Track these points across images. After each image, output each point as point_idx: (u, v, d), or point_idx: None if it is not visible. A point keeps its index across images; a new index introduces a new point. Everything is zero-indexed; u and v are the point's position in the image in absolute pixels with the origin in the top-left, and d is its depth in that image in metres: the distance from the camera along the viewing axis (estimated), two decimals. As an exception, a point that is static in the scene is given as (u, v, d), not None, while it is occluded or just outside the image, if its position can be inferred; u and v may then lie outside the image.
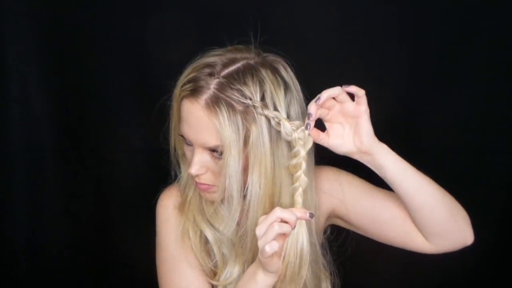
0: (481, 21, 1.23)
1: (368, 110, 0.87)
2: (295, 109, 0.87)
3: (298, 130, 0.84)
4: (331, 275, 1.00)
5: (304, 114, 0.88)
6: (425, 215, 0.93)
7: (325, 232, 1.05)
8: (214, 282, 0.96)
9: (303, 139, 0.84)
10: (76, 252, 1.45)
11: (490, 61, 1.26)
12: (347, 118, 0.89)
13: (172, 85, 0.90)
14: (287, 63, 0.91)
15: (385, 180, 0.92)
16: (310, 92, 0.92)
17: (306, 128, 0.84)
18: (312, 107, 0.84)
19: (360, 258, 1.22)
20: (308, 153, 0.88)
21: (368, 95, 1.30)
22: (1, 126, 1.34)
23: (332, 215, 1.03)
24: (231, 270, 0.95)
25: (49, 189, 1.39)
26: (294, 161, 0.85)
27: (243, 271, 0.94)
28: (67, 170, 1.39)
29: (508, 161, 1.34)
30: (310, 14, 1.25)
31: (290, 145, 0.86)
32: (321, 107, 0.86)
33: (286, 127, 0.83)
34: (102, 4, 1.26)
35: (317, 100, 0.83)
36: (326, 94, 0.84)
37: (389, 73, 1.29)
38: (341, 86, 0.85)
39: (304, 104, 0.90)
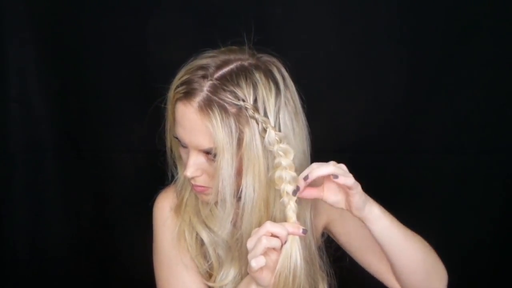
0: (481, 21, 1.23)
1: (358, 190, 0.83)
2: (283, 116, 0.85)
3: (281, 143, 0.82)
4: (328, 276, 1.00)
5: (296, 115, 0.87)
6: (401, 274, 0.93)
7: (323, 235, 1.05)
8: (210, 284, 0.96)
9: (284, 151, 0.82)
10: (76, 252, 1.45)
11: (490, 61, 1.26)
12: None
13: (167, 88, 0.89)
14: (282, 63, 0.90)
15: None
16: (309, 93, 0.91)
17: (294, 194, 0.82)
18: (301, 182, 0.82)
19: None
20: (301, 152, 0.88)
21: (368, 95, 1.31)
22: (1, 126, 1.34)
23: (327, 226, 1.04)
24: (227, 272, 0.95)
25: (49, 189, 1.40)
26: (277, 173, 0.83)
27: (239, 273, 0.94)
28: (67, 170, 1.39)
29: (508, 161, 1.34)
30: (308, 14, 1.25)
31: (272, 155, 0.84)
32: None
33: (271, 135, 0.82)
34: (102, 4, 1.26)
35: (305, 177, 0.81)
36: (316, 173, 0.81)
37: (389, 73, 1.29)
38: (333, 165, 0.82)
39: (299, 105, 0.89)
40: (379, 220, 0.87)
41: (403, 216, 1.01)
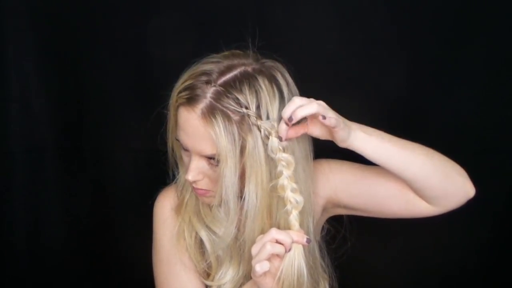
0: (481, 21, 1.23)
1: (341, 127, 0.83)
2: None
3: (284, 152, 0.83)
4: (329, 277, 1.00)
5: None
6: (421, 184, 0.92)
7: (321, 230, 1.05)
8: (208, 283, 0.97)
9: (287, 161, 0.83)
10: (76, 252, 1.45)
11: (490, 61, 1.26)
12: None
13: (167, 88, 0.90)
14: (285, 68, 0.90)
15: None
16: (308, 93, 0.91)
17: (281, 140, 0.82)
18: (283, 127, 0.81)
19: (357, 260, 1.22)
20: (304, 158, 0.88)
21: (367, 95, 1.31)
22: (1, 126, 1.34)
23: (330, 205, 1.03)
24: (225, 271, 0.96)
25: (49, 189, 1.40)
26: (280, 182, 0.83)
27: (237, 273, 0.95)
28: (67, 170, 1.39)
29: (508, 161, 1.34)
30: (309, 15, 1.25)
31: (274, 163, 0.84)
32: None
33: (273, 143, 0.82)
34: (102, 4, 1.27)
35: (290, 119, 0.80)
36: (300, 114, 0.80)
37: (389, 73, 1.29)
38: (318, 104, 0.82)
39: None
40: (368, 143, 0.87)
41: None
